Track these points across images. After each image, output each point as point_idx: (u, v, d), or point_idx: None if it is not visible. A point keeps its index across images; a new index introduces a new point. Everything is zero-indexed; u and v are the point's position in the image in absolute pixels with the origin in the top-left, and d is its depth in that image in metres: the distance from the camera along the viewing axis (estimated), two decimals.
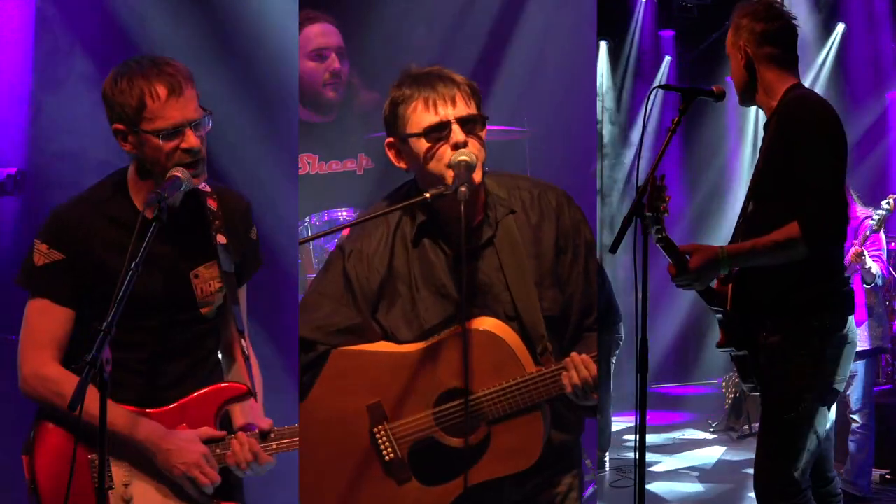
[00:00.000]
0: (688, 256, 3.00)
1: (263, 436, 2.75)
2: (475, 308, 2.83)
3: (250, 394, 2.81)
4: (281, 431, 2.77)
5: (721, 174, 9.89)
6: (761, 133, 3.28)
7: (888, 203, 5.28)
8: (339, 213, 4.52)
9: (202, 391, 2.79)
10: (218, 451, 2.73)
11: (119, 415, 2.64)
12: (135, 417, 2.70)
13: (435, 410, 2.82)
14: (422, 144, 2.76)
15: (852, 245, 5.17)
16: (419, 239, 2.87)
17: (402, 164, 2.85)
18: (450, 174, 2.72)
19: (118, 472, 2.71)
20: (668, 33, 9.93)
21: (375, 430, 2.87)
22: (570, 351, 2.77)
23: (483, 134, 2.82)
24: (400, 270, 2.87)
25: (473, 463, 2.81)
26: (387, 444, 2.86)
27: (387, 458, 2.86)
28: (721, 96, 2.99)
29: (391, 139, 2.84)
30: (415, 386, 2.82)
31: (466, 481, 2.76)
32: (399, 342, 2.86)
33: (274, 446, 2.75)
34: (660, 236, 2.92)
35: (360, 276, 2.88)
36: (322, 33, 4.57)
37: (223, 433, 2.76)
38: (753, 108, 3.33)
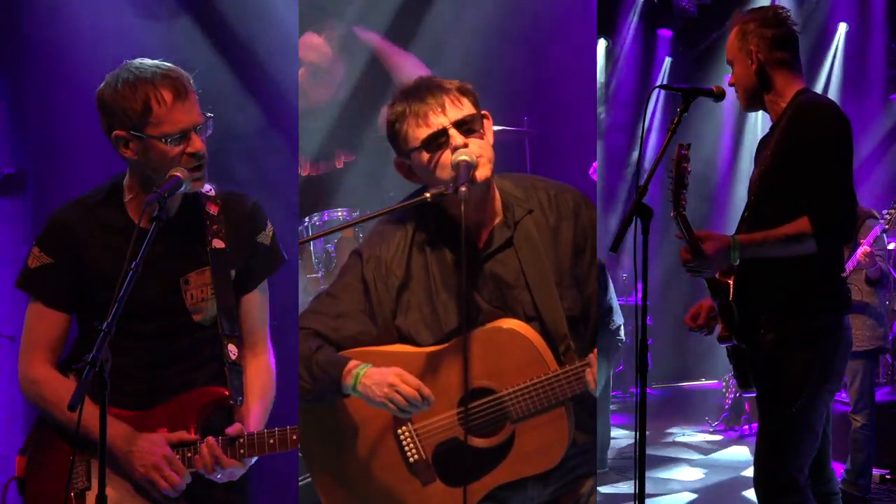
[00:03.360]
0: (701, 243, 3.01)
1: (230, 441, 2.73)
2: (496, 309, 2.83)
3: (230, 399, 2.79)
4: (250, 438, 2.73)
5: (713, 171, 9.86)
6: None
7: None
8: (338, 214, 4.53)
9: (184, 395, 2.78)
10: (189, 455, 2.72)
11: (92, 415, 2.59)
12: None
13: (458, 411, 2.82)
14: (424, 156, 2.77)
15: (860, 245, 5.19)
16: (436, 243, 2.87)
17: (416, 179, 2.86)
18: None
19: (91, 472, 2.71)
20: (667, 33, 9.92)
21: (400, 430, 2.87)
22: (591, 349, 2.78)
23: (485, 131, 2.82)
24: (418, 274, 2.87)
25: (497, 463, 2.81)
26: (411, 445, 2.86)
27: (411, 459, 2.87)
28: (721, 96, 3.02)
29: (398, 158, 2.86)
30: (438, 386, 2.82)
31: (481, 489, 2.75)
32: (419, 345, 2.86)
33: (241, 452, 2.72)
34: (681, 212, 2.94)
35: (379, 283, 2.88)
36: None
37: (195, 437, 2.73)
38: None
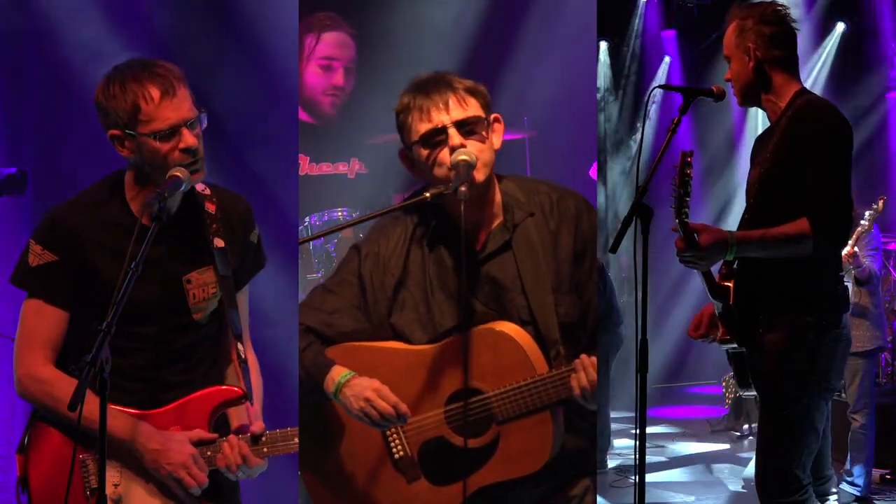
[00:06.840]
0: (696, 234, 2.99)
1: (255, 439, 2.74)
2: (491, 311, 2.84)
3: (245, 398, 2.79)
4: (273, 435, 2.76)
5: (735, 171, 9.85)
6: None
7: (876, 204, 5.38)
8: (338, 214, 4.53)
9: (197, 394, 2.78)
10: (209, 453, 2.73)
11: (109, 415, 2.61)
12: (124, 417, 2.69)
13: (445, 409, 2.83)
14: (423, 152, 2.78)
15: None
16: (434, 242, 2.87)
17: (416, 173, 2.87)
18: (453, 176, 2.73)
19: (108, 471, 2.69)
20: (668, 33, 9.93)
21: None
22: (586, 354, 2.78)
23: (489, 135, 2.81)
24: (415, 273, 2.88)
25: (482, 464, 2.81)
26: (397, 441, 2.87)
27: (397, 455, 2.87)
28: (721, 96, 3.00)
29: (402, 149, 2.87)
30: (427, 385, 2.83)
31: (465, 489, 2.76)
32: (412, 344, 2.86)
33: (265, 450, 2.74)
34: (683, 219, 2.90)
35: (375, 280, 2.89)
36: (335, 44, 4.58)
37: (214, 436, 2.75)
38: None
